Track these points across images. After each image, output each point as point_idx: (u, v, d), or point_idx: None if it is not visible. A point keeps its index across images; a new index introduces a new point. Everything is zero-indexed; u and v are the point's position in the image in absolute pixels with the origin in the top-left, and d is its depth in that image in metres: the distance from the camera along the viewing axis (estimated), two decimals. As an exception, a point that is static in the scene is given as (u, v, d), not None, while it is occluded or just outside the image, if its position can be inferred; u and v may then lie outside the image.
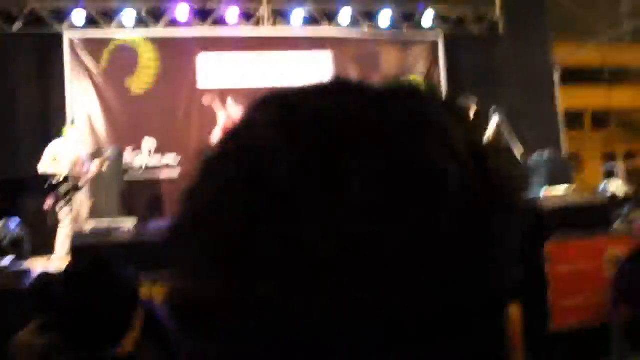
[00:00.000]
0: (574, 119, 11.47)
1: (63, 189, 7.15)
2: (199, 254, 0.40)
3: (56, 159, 7.28)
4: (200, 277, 0.39)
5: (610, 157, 18.56)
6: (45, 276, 3.04)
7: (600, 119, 20.08)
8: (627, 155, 19.62)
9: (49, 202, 7.47)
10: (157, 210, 9.64)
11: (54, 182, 7.22)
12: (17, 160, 9.47)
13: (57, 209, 7.26)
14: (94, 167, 7.68)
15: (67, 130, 7.60)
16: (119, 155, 9.10)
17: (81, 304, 1.49)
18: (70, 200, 7.18)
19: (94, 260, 1.59)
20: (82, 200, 7.47)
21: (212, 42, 10.41)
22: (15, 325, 3.17)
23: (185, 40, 10.29)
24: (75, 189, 7.33)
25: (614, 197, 6.54)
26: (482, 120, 7.76)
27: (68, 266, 1.62)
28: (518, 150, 7.92)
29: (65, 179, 7.18)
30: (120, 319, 1.50)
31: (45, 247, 8.37)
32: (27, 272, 4.76)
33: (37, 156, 9.33)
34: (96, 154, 8.54)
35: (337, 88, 0.46)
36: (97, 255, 1.59)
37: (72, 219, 7.18)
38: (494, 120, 7.69)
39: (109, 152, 8.01)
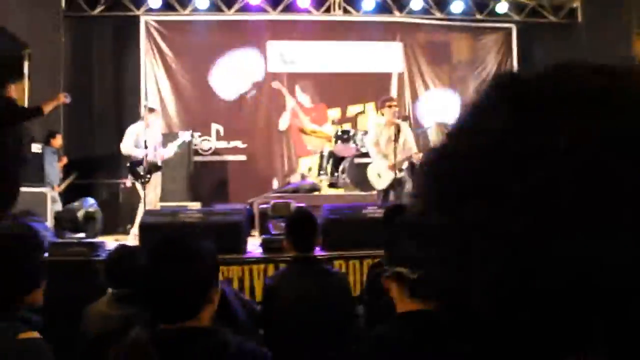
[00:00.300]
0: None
1: (142, 169, 7.38)
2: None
3: (138, 141, 7.54)
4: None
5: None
6: (122, 248, 3.13)
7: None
8: None
9: (128, 182, 7.81)
10: (223, 193, 9.90)
11: (135, 162, 7.48)
12: (92, 138, 9.94)
13: (136, 188, 7.51)
14: (171, 150, 7.91)
15: (147, 113, 7.80)
16: (190, 138, 9.35)
17: (162, 277, 1.54)
18: (148, 180, 7.40)
19: (175, 234, 1.64)
20: (157, 182, 7.71)
21: (283, 28, 10.49)
22: (88, 295, 3.32)
23: (256, 25, 10.41)
24: (155, 169, 7.60)
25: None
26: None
27: (146, 241, 1.67)
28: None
29: (145, 160, 7.41)
30: (199, 293, 1.54)
31: (119, 226, 8.79)
32: (100, 245, 4.97)
33: (111, 135, 9.77)
34: (169, 136, 8.81)
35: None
36: (179, 235, 1.62)
37: (149, 199, 7.41)
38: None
39: (185, 135, 8.21)
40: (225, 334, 1.56)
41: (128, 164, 7.55)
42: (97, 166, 9.81)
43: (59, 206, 7.61)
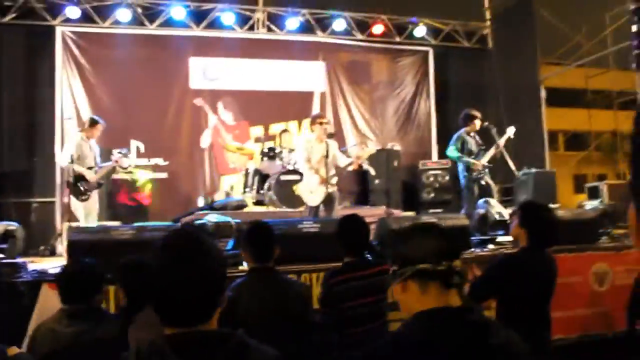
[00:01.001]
0: (550, 138, 11.80)
1: (83, 185, 7.14)
2: None
3: (80, 157, 7.26)
4: None
5: (581, 178, 18.97)
6: (75, 264, 2.99)
7: (576, 140, 20.50)
8: (599, 178, 20.05)
9: (66, 198, 7.41)
10: (141, 212, 9.55)
11: (77, 178, 7.18)
12: (2, 153, 9.30)
13: (72, 204, 7.20)
14: (109, 165, 7.60)
15: (89, 126, 7.53)
16: (107, 154, 8.98)
17: (180, 275, 1.41)
18: (88, 198, 7.19)
19: (189, 234, 1.51)
20: (95, 199, 7.45)
21: (206, 44, 10.38)
22: (13, 318, 3.12)
23: (179, 41, 10.24)
24: (95, 186, 7.36)
25: (602, 213, 6.70)
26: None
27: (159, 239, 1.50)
28: (512, 164, 8.03)
29: (83, 177, 7.19)
30: (218, 292, 1.46)
31: (32, 247, 8.23)
32: (22, 266, 4.68)
33: (21, 151, 9.23)
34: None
35: None
36: (190, 228, 1.49)
37: (84, 215, 7.20)
38: (505, 136, 7.81)
39: (118, 152, 7.89)
40: (242, 336, 1.49)
41: (70, 179, 7.16)
42: (6, 184, 9.18)
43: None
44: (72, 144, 7.45)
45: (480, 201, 7.19)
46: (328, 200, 6.86)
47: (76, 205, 7.19)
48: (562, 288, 4.21)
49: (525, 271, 3.15)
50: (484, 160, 7.72)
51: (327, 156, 6.84)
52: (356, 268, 3.23)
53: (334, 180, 6.91)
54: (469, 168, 7.67)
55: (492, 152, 7.75)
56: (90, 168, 7.31)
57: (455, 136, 7.91)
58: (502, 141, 7.76)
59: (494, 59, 11.63)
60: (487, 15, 12.04)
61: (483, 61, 11.89)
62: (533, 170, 9.17)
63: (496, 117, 10.65)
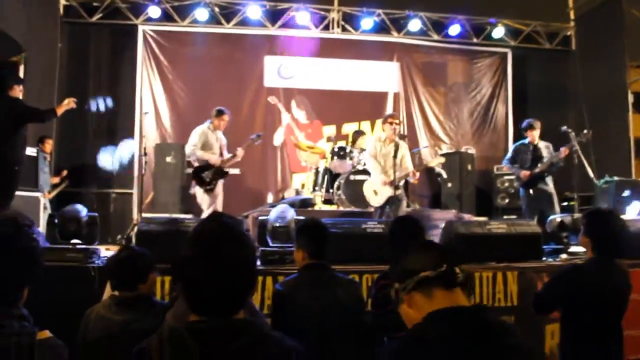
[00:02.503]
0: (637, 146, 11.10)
1: (208, 175, 7.25)
2: None
3: (205, 146, 7.39)
4: None
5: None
6: (128, 250, 3.04)
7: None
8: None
9: (192, 189, 7.60)
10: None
11: (200, 168, 7.29)
12: (84, 146, 9.78)
13: (198, 196, 7.36)
14: (240, 153, 7.75)
15: (215, 116, 7.74)
16: (182, 149, 9.25)
17: (216, 263, 1.40)
18: (214, 188, 7.25)
19: (222, 223, 1.50)
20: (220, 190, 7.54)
21: (281, 43, 10.50)
22: (82, 301, 3.22)
23: (254, 40, 10.41)
24: (220, 175, 7.42)
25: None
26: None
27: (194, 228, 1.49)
28: (591, 172, 7.67)
29: (211, 165, 7.31)
30: (252, 282, 1.45)
31: (109, 236, 8.62)
32: (95, 251, 4.86)
33: (104, 145, 9.65)
34: (164, 147, 8.77)
35: None
36: (224, 219, 1.46)
37: (207, 206, 7.25)
38: (573, 141, 7.51)
39: (253, 137, 8.06)
40: (263, 326, 1.46)
41: (192, 169, 7.34)
42: (89, 175, 9.65)
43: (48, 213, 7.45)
44: (197, 132, 7.53)
45: (557, 209, 6.91)
46: (393, 202, 6.76)
47: (201, 196, 7.33)
48: (636, 305, 3.94)
49: (590, 282, 2.97)
50: (538, 169, 7.64)
51: (395, 156, 6.75)
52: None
53: (402, 182, 6.81)
54: (518, 177, 7.94)
55: (548, 160, 7.65)
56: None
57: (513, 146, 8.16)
58: (568, 147, 7.49)
59: (577, 61, 11.10)
60: (571, 15, 11.51)
61: (565, 63, 11.38)
62: (615, 178, 8.68)
63: (578, 122, 10.18)
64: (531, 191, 7.75)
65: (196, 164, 7.45)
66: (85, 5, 9.80)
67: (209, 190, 7.11)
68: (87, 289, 4.27)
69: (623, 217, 5.56)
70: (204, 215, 6.85)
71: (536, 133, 7.83)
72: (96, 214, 5.24)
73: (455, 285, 1.61)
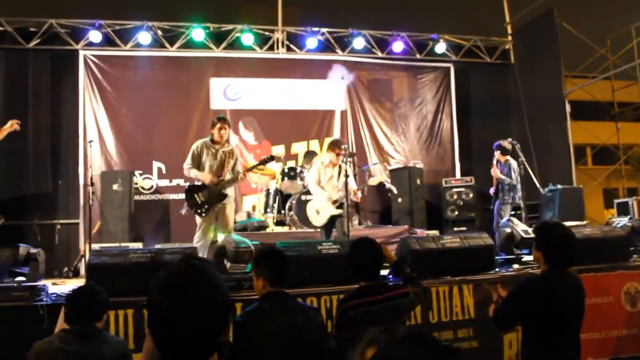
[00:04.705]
0: (577, 153, 11.54)
1: (201, 197, 6.29)
2: None
3: (201, 163, 6.37)
4: None
5: (612, 192, 18.51)
6: (84, 286, 3.12)
7: (604, 154, 20.03)
8: (630, 192, 19.54)
9: (183, 210, 6.71)
10: (164, 233, 9.55)
11: (193, 188, 6.40)
12: (26, 176, 9.40)
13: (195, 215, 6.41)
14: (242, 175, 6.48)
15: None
16: (129, 176, 9.04)
17: (183, 308, 1.35)
18: (207, 211, 6.25)
19: (194, 265, 1.43)
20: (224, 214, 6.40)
21: (226, 65, 10.44)
22: (31, 342, 3.13)
23: (199, 62, 10.31)
24: (217, 199, 6.29)
25: (632, 230, 6.51)
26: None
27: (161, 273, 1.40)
28: (537, 182, 7.93)
29: (201, 186, 6.32)
30: (220, 328, 1.39)
31: (54, 269, 8.30)
32: (43, 289, 4.66)
33: (46, 174, 9.32)
34: (109, 174, 8.46)
35: None
36: (196, 262, 1.39)
37: (201, 231, 6.30)
38: (519, 152, 7.78)
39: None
40: None
41: (186, 189, 6.47)
42: (30, 205, 9.28)
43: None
44: (191, 148, 6.50)
45: (504, 220, 7.07)
46: (335, 222, 6.81)
47: (198, 218, 6.40)
48: (591, 309, 4.08)
49: (547, 294, 3.04)
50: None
51: (338, 178, 6.85)
52: (371, 292, 3.13)
53: (343, 201, 6.82)
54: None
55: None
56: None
57: None
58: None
59: (517, 74, 11.49)
60: (509, 29, 11.92)
61: (506, 76, 11.76)
62: (559, 186, 8.98)
63: (520, 133, 10.49)
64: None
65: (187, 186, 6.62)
66: (21, 30, 9.51)
67: (202, 214, 6.25)
68: (37, 328, 4.10)
69: (568, 225, 5.75)
70: (195, 239, 6.29)
71: (497, 153, 8.34)
72: (36, 250, 5.01)
73: None
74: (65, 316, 3.03)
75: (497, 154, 8.31)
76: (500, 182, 8.17)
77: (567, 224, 7.80)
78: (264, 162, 6.45)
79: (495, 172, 8.23)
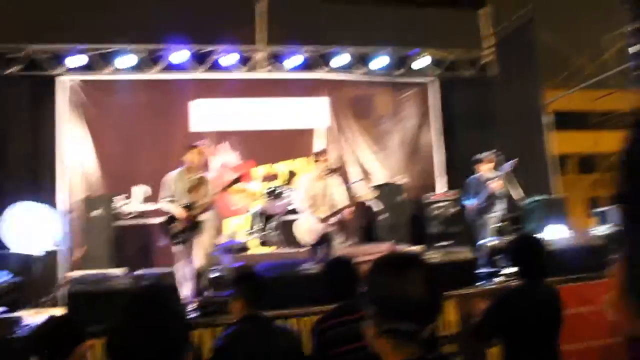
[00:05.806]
0: (560, 163, 11.65)
1: (176, 227, 6.26)
2: None
3: (176, 194, 6.36)
4: None
5: (595, 201, 18.68)
6: (54, 318, 2.89)
7: (587, 163, 20.26)
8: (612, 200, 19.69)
9: (161, 242, 6.71)
10: (147, 258, 9.41)
11: (170, 219, 6.33)
12: (5, 204, 9.27)
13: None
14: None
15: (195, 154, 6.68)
16: (109, 201, 8.96)
17: (135, 338, 1.37)
18: (183, 242, 6.20)
19: (154, 292, 1.46)
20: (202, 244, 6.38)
21: (208, 86, 10.41)
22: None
23: (181, 84, 10.30)
24: (191, 228, 6.26)
25: (612, 238, 6.56)
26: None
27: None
28: (518, 194, 7.97)
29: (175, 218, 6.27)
30: (177, 355, 1.39)
31: (32, 299, 8.10)
32: (17, 321, 4.61)
33: (25, 199, 9.20)
34: (90, 201, 8.35)
35: None
36: (154, 287, 1.41)
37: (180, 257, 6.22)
38: (505, 168, 7.84)
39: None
40: None
41: (163, 220, 6.42)
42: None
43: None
44: (164, 181, 6.54)
45: (488, 233, 7.09)
46: (325, 240, 6.76)
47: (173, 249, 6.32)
48: (572, 319, 4.08)
49: (524, 306, 3.06)
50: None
51: (325, 195, 6.81)
52: (347, 311, 3.12)
53: (334, 219, 6.81)
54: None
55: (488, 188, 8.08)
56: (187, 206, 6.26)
57: None
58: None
59: (498, 86, 11.58)
60: (488, 42, 12.04)
61: (487, 89, 11.82)
62: (541, 197, 9.03)
63: (504, 145, 10.54)
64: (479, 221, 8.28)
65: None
66: (-3, 57, 9.46)
67: (177, 244, 6.21)
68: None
69: (543, 237, 5.79)
70: (175, 270, 6.17)
71: (480, 165, 8.42)
72: (17, 279, 4.96)
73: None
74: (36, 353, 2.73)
75: (479, 166, 8.33)
76: (485, 195, 8.15)
77: (550, 234, 7.89)
78: (231, 183, 6.52)
79: (498, 183, 8.09)
